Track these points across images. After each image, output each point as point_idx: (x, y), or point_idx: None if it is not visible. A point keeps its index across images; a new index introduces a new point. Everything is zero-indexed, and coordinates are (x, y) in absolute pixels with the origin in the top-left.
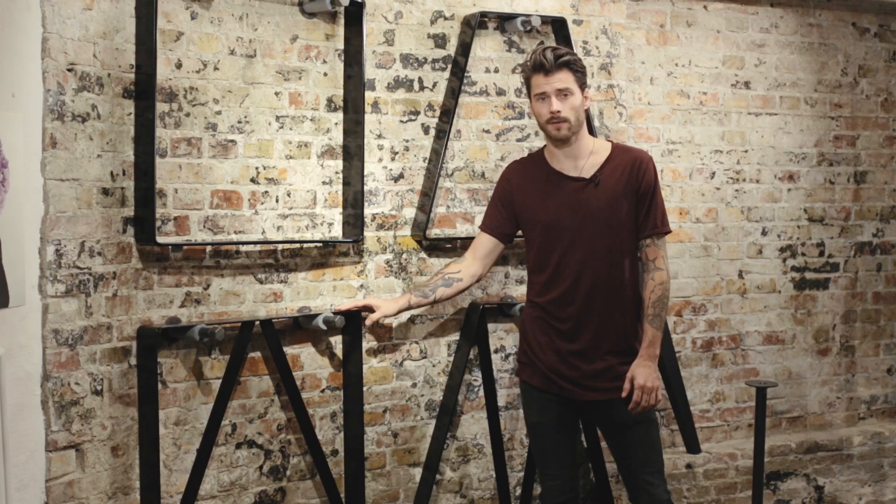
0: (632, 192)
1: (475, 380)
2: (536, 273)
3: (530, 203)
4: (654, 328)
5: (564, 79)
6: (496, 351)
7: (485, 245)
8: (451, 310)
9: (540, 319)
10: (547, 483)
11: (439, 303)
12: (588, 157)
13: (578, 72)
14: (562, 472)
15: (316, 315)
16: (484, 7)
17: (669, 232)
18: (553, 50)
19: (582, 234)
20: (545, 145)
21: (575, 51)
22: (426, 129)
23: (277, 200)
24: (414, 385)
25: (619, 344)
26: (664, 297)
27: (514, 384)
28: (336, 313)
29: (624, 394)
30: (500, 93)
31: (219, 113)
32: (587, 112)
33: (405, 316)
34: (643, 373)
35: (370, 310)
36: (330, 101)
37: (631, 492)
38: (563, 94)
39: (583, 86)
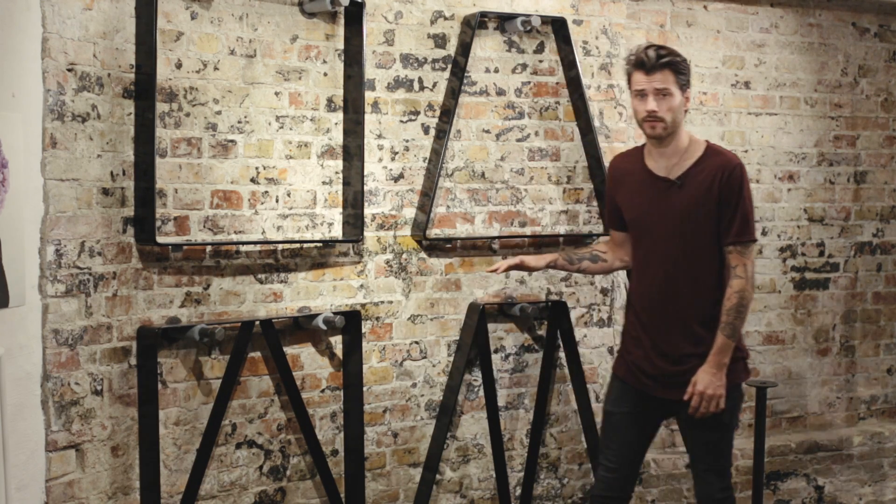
0: (713, 198)
1: (475, 380)
2: (633, 266)
3: (624, 197)
4: (725, 336)
5: (664, 79)
6: (496, 351)
7: (616, 238)
8: (451, 310)
9: (633, 315)
10: (600, 473)
11: (582, 273)
12: (679, 158)
13: (681, 73)
14: (619, 469)
15: (316, 315)
16: (484, 7)
17: (754, 240)
18: (656, 49)
19: (661, 236)
20: None
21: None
22: (426, 129)
23: (277, 200)
24: (414, 385)
25: (699, 348)
26: (741, 305)
27: (513, 384)
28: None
29: (686, 397)
30: (500, 93)
31: (219, 113)
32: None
33: (405, 315)
34: (705, 379)
35: (522, 266)
36: (330, 101)
37: (694, 480)
38: (661, 93)
39: (684, 87)
